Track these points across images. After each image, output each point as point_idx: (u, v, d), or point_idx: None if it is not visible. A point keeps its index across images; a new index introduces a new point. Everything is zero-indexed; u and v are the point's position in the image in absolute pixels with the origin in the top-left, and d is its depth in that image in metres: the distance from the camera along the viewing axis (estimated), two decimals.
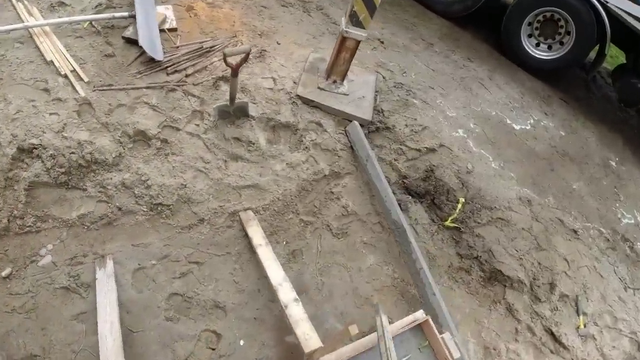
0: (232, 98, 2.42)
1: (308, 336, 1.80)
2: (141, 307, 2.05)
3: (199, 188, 2.40)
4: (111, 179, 2.28)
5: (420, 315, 1.96)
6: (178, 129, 2.51)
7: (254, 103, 2.75)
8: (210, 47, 3.07)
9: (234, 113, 2.58)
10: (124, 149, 2.36)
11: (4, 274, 2.01)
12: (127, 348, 1.93)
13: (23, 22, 2.97)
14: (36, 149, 2.23)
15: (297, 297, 1.98)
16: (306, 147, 2.77)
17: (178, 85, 2.74)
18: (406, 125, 3.13)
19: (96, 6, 3.17)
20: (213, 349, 2.03)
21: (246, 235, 2.36)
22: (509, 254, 2.87)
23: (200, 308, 2.14)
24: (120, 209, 2.25)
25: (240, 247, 2.39)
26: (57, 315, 1.95)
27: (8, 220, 2.12)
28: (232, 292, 2.23)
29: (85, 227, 2.19)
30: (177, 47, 3.04)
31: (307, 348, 1.76)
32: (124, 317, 2.00)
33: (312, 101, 2.91)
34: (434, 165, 3.03)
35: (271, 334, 2.18)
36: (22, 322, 1.91)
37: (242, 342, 2.08)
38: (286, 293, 1.99)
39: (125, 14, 3.04)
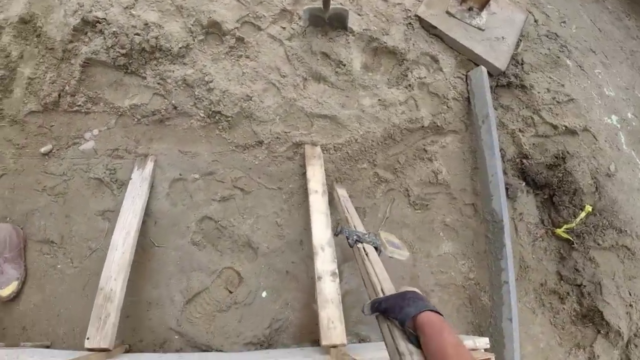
0: (327, 1, 1.88)
1: (332, 325, 1.41)
2: (170, 222, 1.83)
3: (266, 104, 2.01)
4: (173, 72, 1.97)
5: (482, 343, 1.47)
6: (259, 28, 2.07)
7: (359, 15, 2.18)
8: None
9: (329, 21, 2.05)
10: (193, 40, 2.00)
11: (43, 150, 1.89)
12: (144, 260, 1.74)
13: None
14: (100, 23, 1.96)
15: (336, 270, 1.56)
16: (409, 85, 2.18)
17: None
18: (548, 89, 2.34)
19: None
20: (230, 292, 1.78)
21: (305, 174, 1.96)
22: (620, 295, 2.14)
23: (231, 242, 1.87)
24: (175, 107, 1.96)
25: (295, 186, 2.01)
26: (84, 206, 1.81)
27: (59, 95, 1.95)
28: (271, 235, 1.91)
29: (135, 120, 1.95)
30: None
31: (326, 340, 1.38)
32: (150, 227, 1.80)
33: (435, 27, 2.23)
34: (567, 153, 2.27)
35: (300, 295, 1.85)
36: (48, 204, 1.80)
37: (264, 294, 1.80)
38: (324, 262, 1.58)
39: None
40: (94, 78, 1.96)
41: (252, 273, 1.83)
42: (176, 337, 1.75)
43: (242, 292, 1.79)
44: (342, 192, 2.02)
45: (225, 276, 1.83)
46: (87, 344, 1.39)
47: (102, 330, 1.44)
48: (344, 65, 2.14)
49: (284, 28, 2.12)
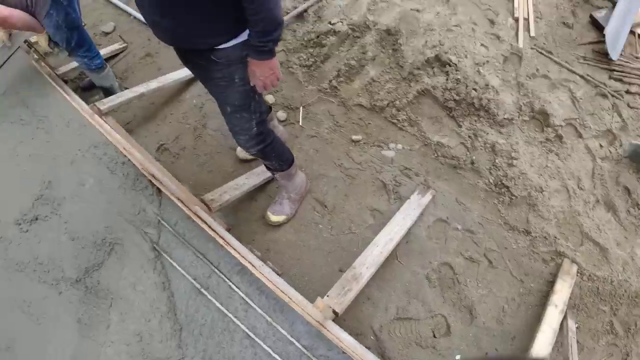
0: None
1: None
2: (418, 249, 2.03)
3: (551, 204, 2.09)
4: (487, 134, 2.19)
5: None
6: (580, 136, 2.16)
7: None
8: None
9: None
10: (518, 117, 2.20)
11: (354, 137, 2.29)
12: (383, 264, 1.97)
13: None
14: (450, 65, 2.29)
15: None
16: None
17: (613, 95, 2.32)
18: None
19: None
20: (435, 336, 1.90)
21: (551, 283, 1.99)
22: None
23: (457, 297, 1.98)
24: (472, 163, 2.17)
25: (536, 287, 2.04)
26: (362, 196, 2.13)
27: (388, 104, 2.33)
28: (492, 315, 1.97)
29: (435, 155, 2.23)
30: (638, 57, 2.53)
31: None
32: (402, 243, 2.02)
33: None
34: None
35: None
36: (337, 178, 2.19)
37: (457, 357, 1.88)
38: None
39: None
40: (421, 106, 2.30)
41: (460, 334, 1.92)
42: (372, 337, 1.95)
43: (443, 342, 1.91)
44: (571, 326, 1.99)
45: (437, 320, 1.96)
46: (326, 301, 1.64)
47: (341, 297, 1.69)
48: (639, 209, 2.10)
49: (601, 146, 2.17)
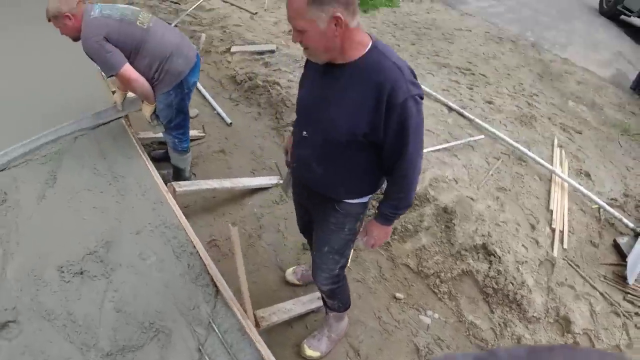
0: None
1: None
2: None
3: None
4: (515, 326, 2.35)
5: None
6: (593, 346, 2.31)
7: None
8: None
9: None
10: (545, 317, 2.38)
11: (397, 295, 2.43)
12: None
13: (553, 166, 3.47)
14: (494, 256, 2.54)
15: None
16: None
17: (625, 314, 2.54)
18: None
19: (612, 198, 3.34)
20: None
21: None
22: None
23: None
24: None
25: None
26: (396, 352, 2.20)
27: (433, 273, 2.54)
28: None
29: (469, 333, 2.35)
30: None
31: None
32: None
33: None
34: None
35: None
36: None
37: None
38: None
39: (633, 226, 3.07)
40: (463, 284, 2.49)
41: None
42: None
43: None
44: None
45: None
46: None
47: None
48: None
49: None
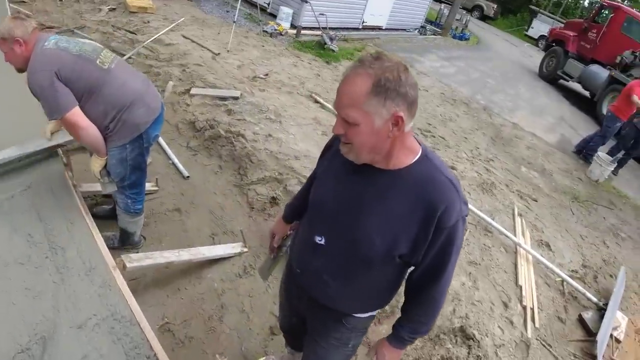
0: None
1: None
2: None
3: None
4: None
5: None
6: None
7: None
8: None
9: None
10: None
11: None
12: None
13: (517, 236, 3.53)
14: (473, 340, 2.44)
15: None
16: None
17: None
18: None
19: (573, 270, 3.44)
20: None
21: None
22: None
23: None
24: None
25: None
26: None
27: None
28: None
29: None
30: (613, 359, 2.86)
31: None
32: None
33: None
34: None
35: None
36: None
37: None
38: None
39: (595, 300, 3.15)
40: None
41: None
42: None
43: None
44: None
45: None
46: None
47: None
48: None
49: None
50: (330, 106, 4.89)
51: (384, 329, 2.49)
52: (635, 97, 5.57)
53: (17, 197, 2.11)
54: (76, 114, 1.88)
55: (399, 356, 1.34)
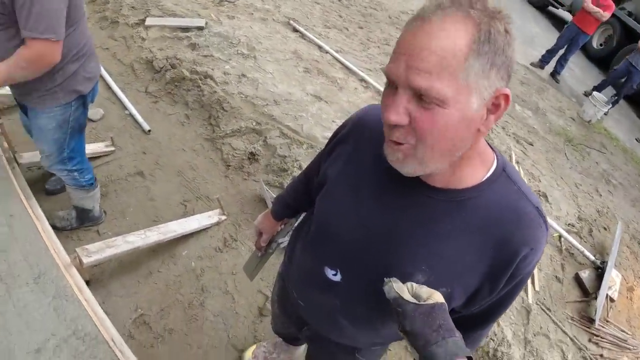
0: None
1: None
2: None
3: None
4: None
5: None
6: None
7: None
8: (629, 347, 2.81)
9: None
10: None
11: None
12: None
13: None
14: None
15: None
16: None
17: (591, 359, 2.58)
18: None
19: (569, 224, 3.38)
20: None
21: None
22: None
23: None
24: None
25: None
26: None
27: None
28: None
29: None
30: (608, 321, 2.90)
31: None
32: None
33: None
34: None
35: None
36: None
37: None
38: None
39: (592, 258, 3.13)
40: None
41: None
42: None
43: None
44: None
45: None
46: None
47: None
48: None
49: None
50: (312, 36, 4.33)
51: None
52: (585, 1, 5.51)
53: None
54: (61, 44, 1.41)
55: None
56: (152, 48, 3.40)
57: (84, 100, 1.73)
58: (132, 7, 3.73)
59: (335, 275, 0.88)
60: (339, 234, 0.85)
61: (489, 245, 0.73)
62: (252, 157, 2.83)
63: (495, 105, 0.64)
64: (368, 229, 0.80)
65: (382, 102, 0.68)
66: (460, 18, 0.58)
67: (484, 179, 0.74)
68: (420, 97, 0.61)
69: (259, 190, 2.63)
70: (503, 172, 0.75)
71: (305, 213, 1.21)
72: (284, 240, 1.38)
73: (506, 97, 0.63)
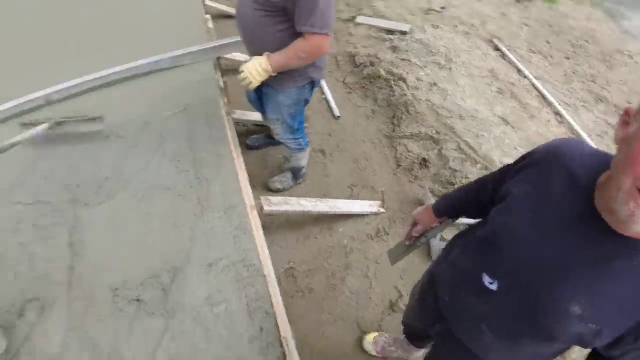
0: None
1: None
2: None
3: None
4: None
5: None
6: None
7: None
8: None
9: None
10: None
11: None
12: None
13: None
14: None
15: None
16: None
17: None
18: None
19: None
20: None
21: None
22: None
23: None
24: None
25: None
26: None
27: None
28: None
29: None
30: None
31: None
32: None
33: None
34: None
35: None
36: None
37: None
38: None
39: None
40: None
41: None
42: None
43: None
44: None
45: None
46: None
47: None
48: None
49: None
50: (513, 57, 4.10)
51: None
52: None
53: (170, 119, 2.20)
54: (330, 37, 1.70)
55: None
56: (357, 44, 3.72)
57: (313, 85, 2.03)
58: (347, 4, 4.13)
59: (492, 284, 0.91)
60: (508, 248, 0.88)
61: None
62: (424, 162, 2.87)
63: None
64: (541, 254, 0.82)
65: (626, 171, 0.66)
66: None
67: None
68: None
69: (422, 196, 2.68)
70: None
71: (476, 220, 1.22)
72: (434, 238, 1.41)
73: None
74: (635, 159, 0.64)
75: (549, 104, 3.67)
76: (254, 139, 2.76)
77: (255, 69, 1.71)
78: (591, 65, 4.66)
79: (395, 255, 1.61)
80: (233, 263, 1.72)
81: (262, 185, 2.56)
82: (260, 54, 1.73)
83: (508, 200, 0.92)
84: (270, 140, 2.71)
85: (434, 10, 4.47)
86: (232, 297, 1.64)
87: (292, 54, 1.68)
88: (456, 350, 1.12)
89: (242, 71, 1.74)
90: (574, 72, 4.42)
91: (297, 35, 1.66)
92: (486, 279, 0.92)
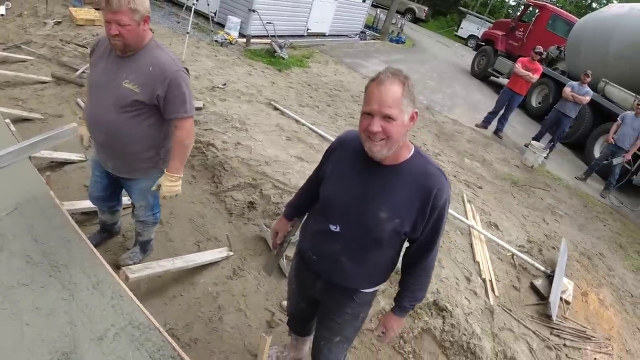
0: None
1: None
2: None
3: None
4: None
5: None
6: None
7: None
8: (589, 337, 3.21)
9: None
10: None
11: None
12: None
13: (468, 220, 3.97)
14: (446, 311, 2.78)
15: None
16: None
17: (555, 347, 2.97)
18: None
19: (520, 245, 3.93)
20: None
21: None
22: None
23: None
24: None
25: None
26: None
27: (399, 336, 2.65)
28: None
29: None
30: (566, 317, 3.33)
31: None
32: None
33: None
34: None
35: None
36: None
37: None
38: None
39: (543, 269, 3.62)
40: (421, 341, 2.65)
41: None
42: None
43: None
44: None
45: None
46: None
47: None
48: None
49: None
50: (290, 112, 5.11)
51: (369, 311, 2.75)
52: (516, 67, 6.56)
53: (5, 220, 2.10)
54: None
55: (402, 324, 1.61)
56: None
57: None
58: None
59: (335, 228, 1.44)
60: (336, 201, 1.44)
61: (417, 190, 1.33)
62: (251, 205, 3.35)
63: (412, 118, 1.28)
64: (352, 195, 1.39)
65: (362, 125, 1.29)
66: (397, 81, 1.22)
67: (409, 156, 1.35)
68: (385, 118, 1.22)
69: (259, 232, 3.12)
70: (418, 152, 1.38)
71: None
72: (294, 237, 1.87)
73: (416, 113, 1.28)
74: (361, 124, 1.28)
75: (326, 139, 4.72)
76: (91, 238, 2.72)
77: (172, 188, 2.04)
78: (347, 106, 6.15)
79: (270, 266, 1.98)
80: (122, 328, 1.77)
81: (112, 265, 2.55)
82: (123, 154, 2.00)
83: (326, 176, 1.49)
84: (103, 234, 2.73)
85: (218, 87, 5.17)
86: (134, 358, 1.69)
87: (180, 148, 1.99)
88: (334, 294, 1.60)
89: (165, 197, 2.07)
90: (336, 114, 5.74)
91: (165, 122, 1.96)
92: (332, 227, 1.43)
